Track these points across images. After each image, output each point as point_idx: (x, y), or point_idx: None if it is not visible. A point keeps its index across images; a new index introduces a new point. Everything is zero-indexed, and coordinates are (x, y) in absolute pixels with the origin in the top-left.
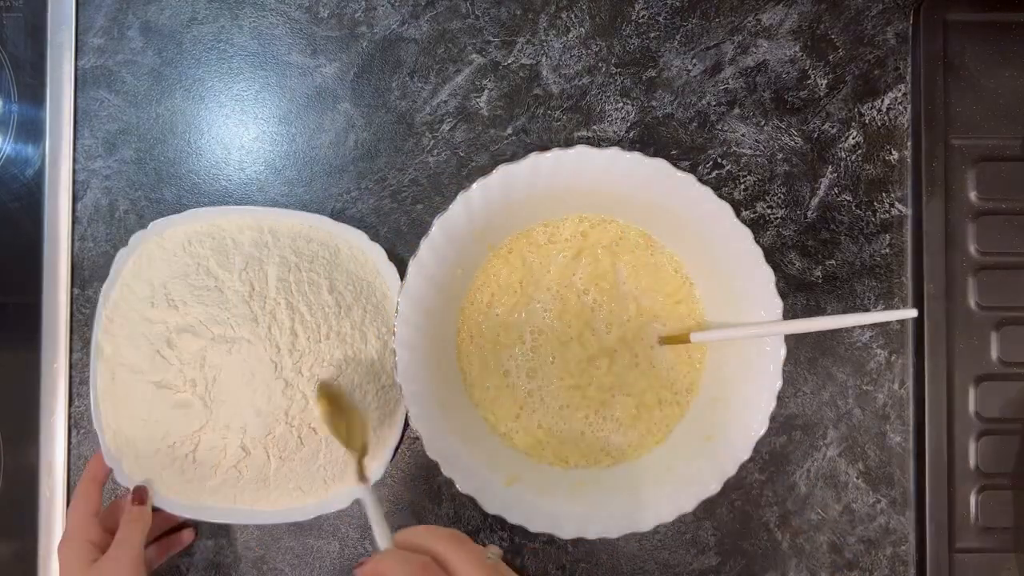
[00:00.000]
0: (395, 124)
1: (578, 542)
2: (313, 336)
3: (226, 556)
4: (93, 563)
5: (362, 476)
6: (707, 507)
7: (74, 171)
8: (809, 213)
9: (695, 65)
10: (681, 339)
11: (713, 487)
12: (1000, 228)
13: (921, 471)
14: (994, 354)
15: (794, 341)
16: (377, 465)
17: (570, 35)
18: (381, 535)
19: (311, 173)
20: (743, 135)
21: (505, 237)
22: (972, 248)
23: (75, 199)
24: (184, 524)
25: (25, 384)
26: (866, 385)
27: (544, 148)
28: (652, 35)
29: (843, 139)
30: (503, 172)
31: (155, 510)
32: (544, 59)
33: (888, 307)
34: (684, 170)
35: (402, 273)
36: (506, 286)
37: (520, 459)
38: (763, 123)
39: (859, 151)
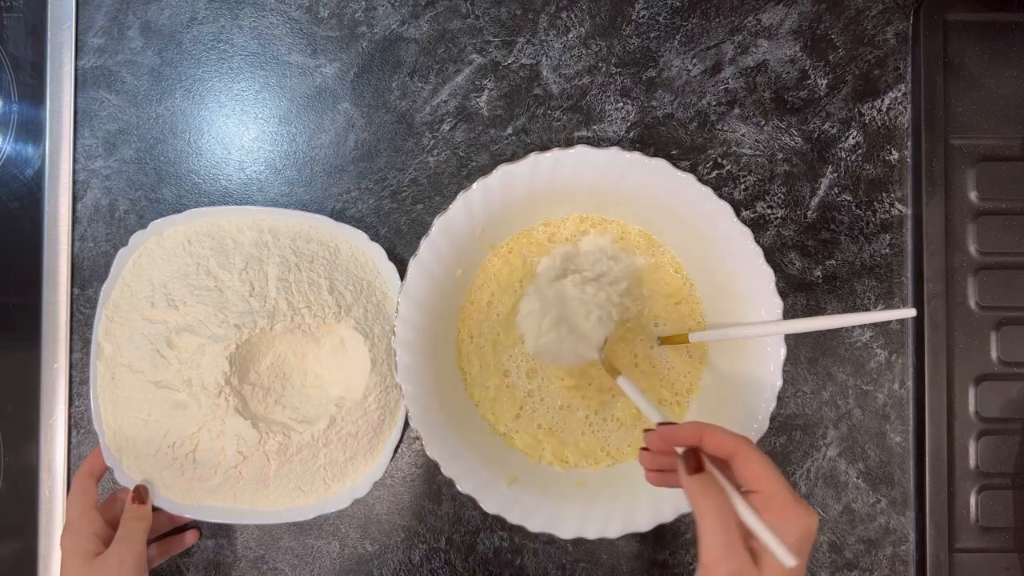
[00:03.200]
0: (395, 124)
1: (578, 542)
2: None
3: (226, 556)
4: (96, 556)
5: (613, 370)
6: None
7: (74, 171)
8: (809, 213)
9: (695, 65)
10: (680, 339)
11: None
12: (1000, 228)
13: (921, 471)
14: (994, 354)
15: (794, 341)
16: (377, 465)
17: (570, 35)
18: (654, 411)
19: (311, 173)
20: (743, 135)
21: (505, 237)
22: (972, 248)
23: (75, 199)
24: (187, 526)
25: (25, 384)
26: (866, 385)
27: (544, 148)
28: (652, 35)
29: (843, 139)
30: (503, 172)
31: (156, 510)
32: (544, 59)
33: (888, 307)
34: (684, 170)
35: (402, 273)
36: (506, 286)
37: (520, 459)
38: (763, 123)
39: (859, 151)
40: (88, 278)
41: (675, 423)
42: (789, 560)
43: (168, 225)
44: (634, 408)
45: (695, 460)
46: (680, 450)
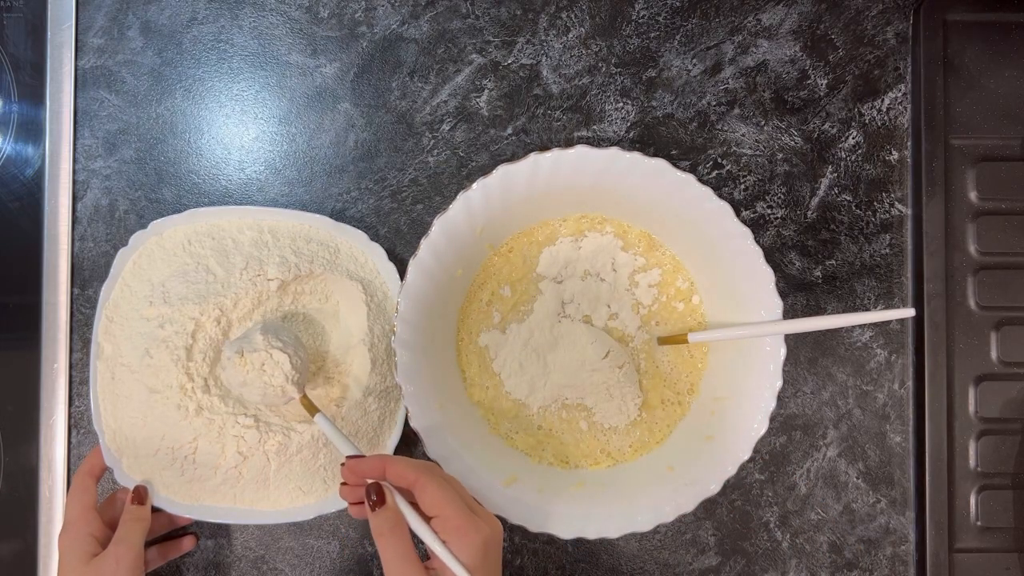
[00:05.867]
0: (395, 124)
1: (578, 542)
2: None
3: (226, 556)
4: (93, 556)
5: (312, 408)
6: (707, 507)
7: (74, 171)
8: (809, 213)
9: (695, 65)
10: (680, 339)
11: (713, 487)
12: (1000, 228)
13: (921, 471)
14: (994, 354)
15: (794, 341)
16: None
17: (570, 35)
18: (346, 445)
19: (311, 173)
20: (743, 135)
21: (505, 236)
22: (972, 248)
23: (75, 199)
24: (185, 531)
25: (25, 384)
26: (866, 385)
27: (544, 148)
28: (652, 35)
29: (843, 139)
30: (503, 172)
31: (156, 511)
32: (544, 59)
33: (888, 307)
34: (684, 170)
35: (402, 273)
36: (506, 285)
37: (520, 459)
38: (763, 123)
39: (859, 151)
40: (88, 278)
41: (362, 456)
42: (462, 573)
43: (168, 225)
44: (635, 411)
45: (377, 494)
46: (368, 483)
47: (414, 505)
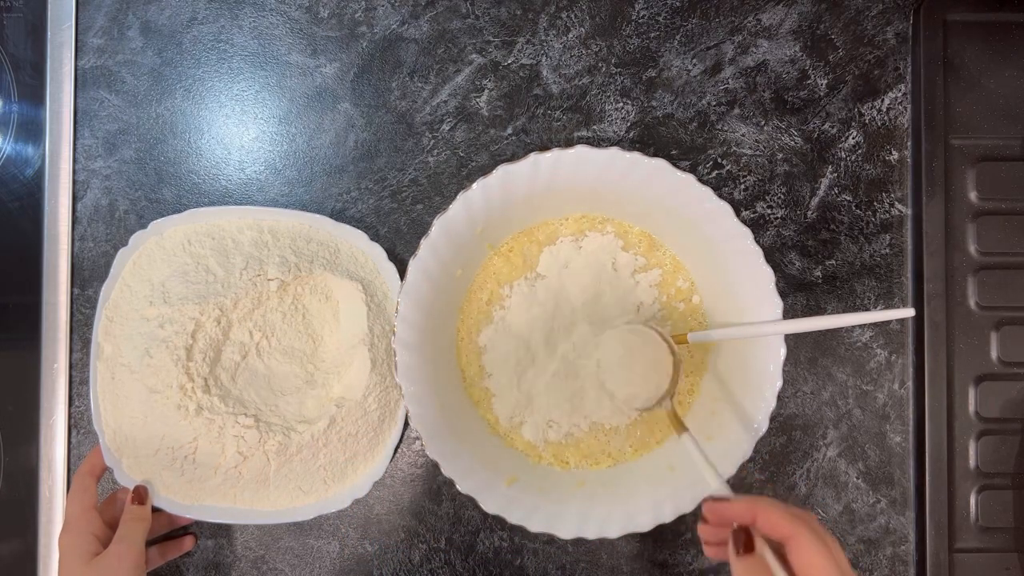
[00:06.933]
0: (395, 124)
1: (578, 542)
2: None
3: (226, 556)
4: (95, 556)
5: (681, 425)
6: None
7: (74, 171)
8: (809, 213)
9: (695, 65)
10: (680, 339)
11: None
12: (1000, 228)
13: (921, 471)
14: (994, 354)
15: (794, 341)
16: (377, 465)
17: (570, 35)
18: (715, 479)
19: (311, 173)
20: (743, 135)
21: (505, 236)
22: (972, 248)
23: (75, 199)
24: (185, 531)
25: (25, 384)
26: (866, 385)
27: (544, 148)
28: (652, 35)
29: (843, 139)
30: (503, 172)
31: (156, 511)
32: (544, 59)
33: (888, 307)
34: (684, 170)
35: (402, 273)
36: (506, 285)
37: (520, 459)
38: (763, 123)
39: (859, 151)
40: (88, 278)
41: (728, 498)
42: None
43: (168, 225)
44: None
45: (745, 540)
46: (734, 526)
47: (782, 558)
